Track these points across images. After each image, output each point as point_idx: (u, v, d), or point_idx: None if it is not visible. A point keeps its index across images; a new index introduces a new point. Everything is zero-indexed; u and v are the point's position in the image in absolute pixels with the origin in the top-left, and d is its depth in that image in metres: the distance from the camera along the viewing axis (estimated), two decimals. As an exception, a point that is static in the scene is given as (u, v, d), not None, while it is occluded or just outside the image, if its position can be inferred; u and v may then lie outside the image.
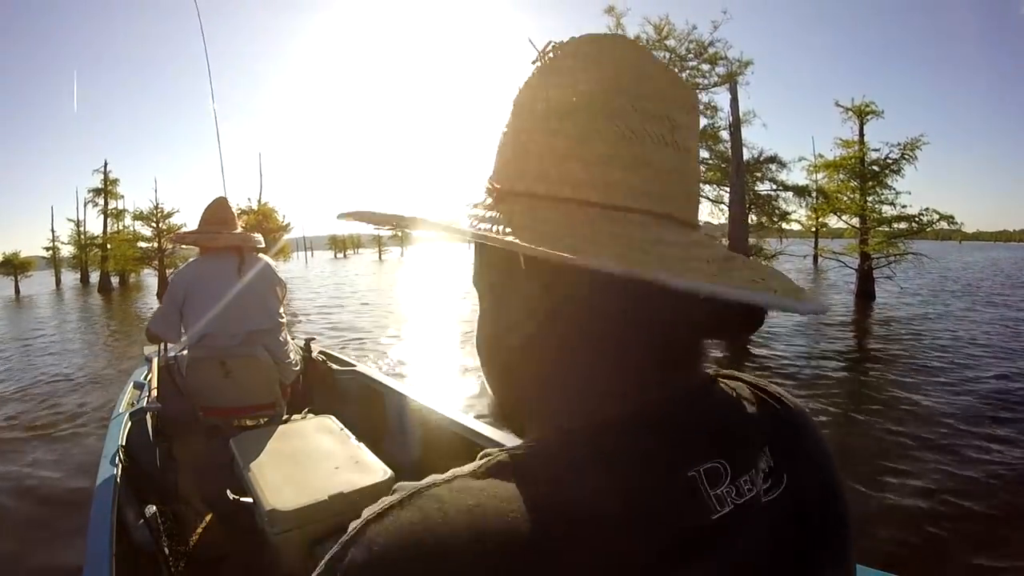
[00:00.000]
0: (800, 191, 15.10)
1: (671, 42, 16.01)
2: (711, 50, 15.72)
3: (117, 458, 2.52)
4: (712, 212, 15.73)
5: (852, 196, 16.64)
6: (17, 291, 38.26)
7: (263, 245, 3.23)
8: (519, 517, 0.37)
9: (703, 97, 16.23)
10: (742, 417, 0.48)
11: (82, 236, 45.40)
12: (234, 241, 3.07)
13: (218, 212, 3.13)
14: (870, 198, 16.57)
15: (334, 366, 3.88)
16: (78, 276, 47.02)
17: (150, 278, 38.63)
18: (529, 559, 0.36)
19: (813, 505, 0.48)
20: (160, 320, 3.03)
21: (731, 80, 14.78)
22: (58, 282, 46.20)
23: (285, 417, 3.06)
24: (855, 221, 16.89)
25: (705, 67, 15.94)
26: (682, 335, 0.47)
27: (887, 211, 16.57)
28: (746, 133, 14.43)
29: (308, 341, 4.01)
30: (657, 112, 0.44)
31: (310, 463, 2.28)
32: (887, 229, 16.50)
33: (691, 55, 15.98)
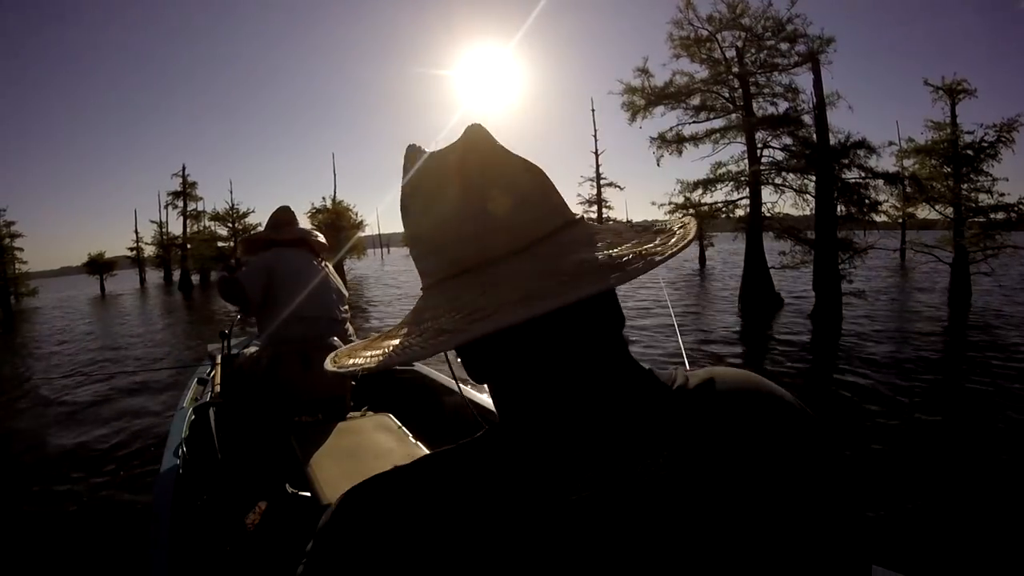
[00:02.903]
0: (891, 179, 14.04)
1: (746, 20, 15.10)
2: (789, 27, 14.68)
3: (180, 451, 2.65)
4: (796, 203, 14.79)
5: (946, 183, 15.56)
6: (103, 289, 40.29)
7: (324, 241, 3.40)
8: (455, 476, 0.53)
9: (783, 79, 15.34)
10: (646, 412, 0.54)
11: (164, 237, 47.60)
12: (303, 233, 3.27)
13: (282, 216, 3.34)
14: (964, 185, 15.45)
15: None
16: (161, 275, 49.34)
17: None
18: (436, 500, 0.50)
19: (726, 492, 0.50)
20: (249, 276, 3.06)
21: (812, 59, 13.69)
22: (142, 280, 48.59)
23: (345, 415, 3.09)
24: (948, 211, 15.79)
25: (784, 46, 14.94)
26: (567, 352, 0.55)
27: (983, 200, 15.43)
28: (830, 117, 13.45)
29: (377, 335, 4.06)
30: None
31: (368, 460, 2.29)
32: (983, 220, 15.35)
33: (768, 33, 14.98)
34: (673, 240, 0.53)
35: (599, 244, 0.53)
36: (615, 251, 0.51)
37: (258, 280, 3.04)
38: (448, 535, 0.48)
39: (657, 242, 0.53)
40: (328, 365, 0.58)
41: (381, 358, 0.52)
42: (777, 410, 0.57)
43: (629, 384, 0.56)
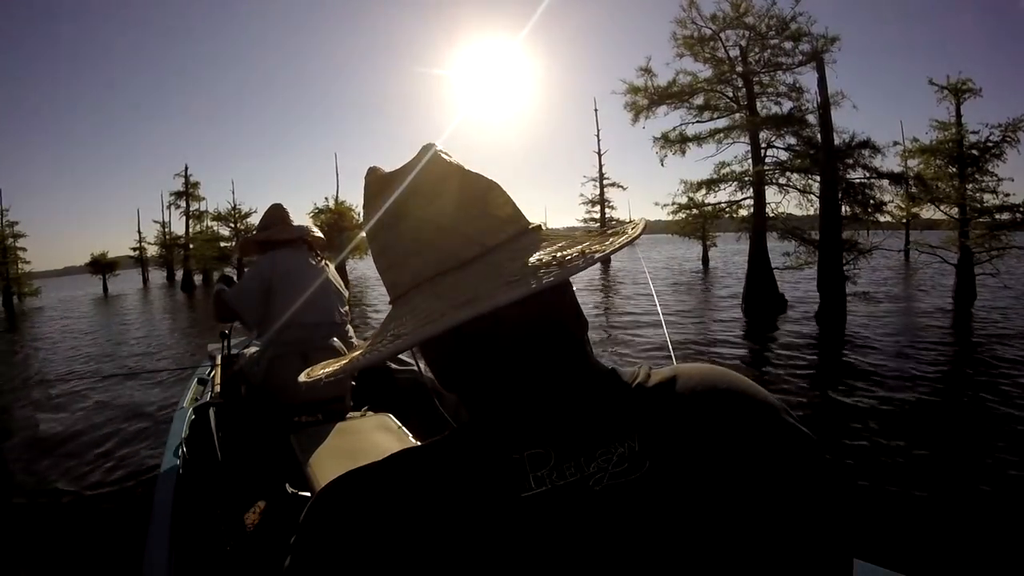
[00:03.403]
0: (896, 179, 13.94)
1: (749, 19, 15.02)
2: (793, 26, 14.56)
3: (180, 451, 2.65)
4: (800, 203, 14.77)
5: (951, 183, 15.45)
6: (105, 289, 40.30)
7: (322, 236, 3.35)
8: (410, 476, 0.55)
9: (787, 78, 15.26)
10: (602, 409, 0.56)
11: (167, 237, 47.68)
12: (301, 232, 3.21)
13: (278, 214, 3.27)
14: (969, 186, 15.34)
15: (392, 365, 3.86)
16: (164, 275, 49.42)
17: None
18: (401, 498, 0.53)
19: (685, 489, 0.52)
20: (242, 296, 3.01)
21: (817, 58, 13.56)
22: (145, 280, 48.62)
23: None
24: (953, 211, 15.67)
25: (787, 45, 14.82)
26: (530, 350, 0.57)
27: (988, 200, 15.32)
28: (834, 116, 13.27)
29: (367, 340, 4.05)
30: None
31: (368, 460, 2.18)
32: (988, 220, 15.25)
33: (772, 32, 14.87)
34: (620, 240, 0.55)
35: (548, 248, 0.55)
36: (560, 253, 0.53)
37: (255, 295, 2.98)
38: (410, 527, 0.51)
39: (607, 243, 0.55)
40: (301, 378, 0.62)
41: (345, 366, 0.58)
42: (740, 405, 0.58)
43: (586, 383, 0.59)
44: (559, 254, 0.52)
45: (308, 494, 2.22)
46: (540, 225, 0.64)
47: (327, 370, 0.61)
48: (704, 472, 0.52)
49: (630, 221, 0.64)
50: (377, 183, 0.65)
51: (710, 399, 0.58)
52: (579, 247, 0.54)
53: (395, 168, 0.65)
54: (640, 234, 0.57)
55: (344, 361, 0.61)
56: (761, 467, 0.54)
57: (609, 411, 0.56)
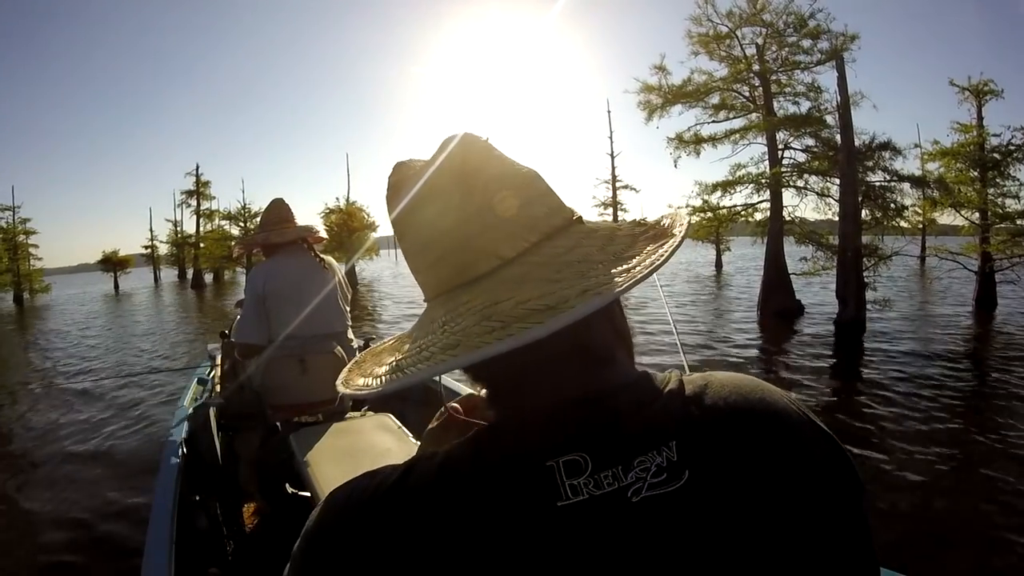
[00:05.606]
0: (918, 182, 13.66)
1: (767, 16, 14.78)
2: (811, 23, 14.29)
3: (180, 451, 2.68)
4: (818, 206, 14.45)
5: (974, 187, 15.16)
6: (116, 287, 40.57)
7: (324, 235, 3.27)
8: (426, 485, 0.51)
9: (805, 77, 14.95)
10: (637, 416, 0.53)
11: (178, 235, 48.08)
12: (300, 233, 3.10)
13: (278, 211, 3.16)
14: (991, 190, 15.05)
15: None
16: (175, 273, 49.88)
17: (243, 275, 40.57)
18: (418, 512, 0.49)
19: (724, 503, 0.50)
20: (247, 330, 3.00)
21: (836, 56, 13.25)
22: (156, 278, 48.99)
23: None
24: (975, 216, 15.38)
25: (806, 43, 14.56)
26: (572, 351, 0.54)
27: (1011, 205, 15.02)
28: (854, 117, 12.77)
29: (367, 341, 4.15)
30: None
31: (367, 460, 2.23)
32: (1010, 226, 14.94)
33: (790, 29, 14.63)
34: (647, 262, 0.52)
35: (567, 271, 0.52)
36: (567, 289, 0.49)
37: (260, 323, 2.94)
38: (430, 541, 0.48)
39: (634, 262, 0.52)
40: (340, 387, 0.60)
41: (375, 385, 0.55)
42: (776, 417, 0.56)
43: (620, 387, 0.55)
44: (565, 290, 0.48)
45: (307, 494, 2.21)
46: (580, 217, 0.61)
47: (365, 381, 0.57)
48: (743, 485, 0.50)
49: (679, 218, 0.60)
50: (396, 185, 0.62)
51: (746, 410, 0.55)
52: (603, 266, 0.52)
53: (422, 161, 0.62)
54: (684, 236, 0.56)
55: (370, 378, 0.57)
56: (800, 481, 0.52)
57: (645, 417, 0.53)
